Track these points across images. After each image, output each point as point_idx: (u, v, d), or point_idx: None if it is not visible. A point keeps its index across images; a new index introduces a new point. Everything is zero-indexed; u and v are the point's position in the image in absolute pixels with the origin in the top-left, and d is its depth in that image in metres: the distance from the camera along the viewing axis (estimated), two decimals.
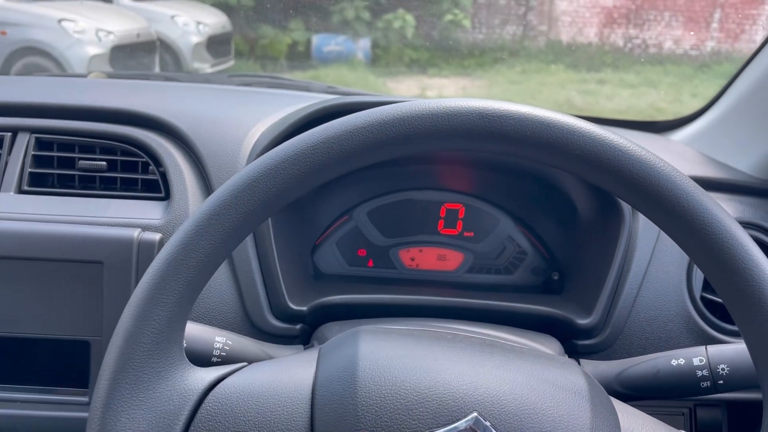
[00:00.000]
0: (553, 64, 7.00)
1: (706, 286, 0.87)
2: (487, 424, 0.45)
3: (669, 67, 6.91)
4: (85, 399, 0.78)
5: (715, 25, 7.21)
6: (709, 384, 0.66)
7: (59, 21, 5.06)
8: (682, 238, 0.49)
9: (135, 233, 0.77)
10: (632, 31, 7.42)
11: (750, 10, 6.91)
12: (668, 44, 7.37)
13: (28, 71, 4.75)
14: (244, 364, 0.53)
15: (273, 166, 0.49)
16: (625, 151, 0.49)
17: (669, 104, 5.49)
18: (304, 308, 0.81)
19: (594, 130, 0.49)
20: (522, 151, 0.50)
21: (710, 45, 7.25)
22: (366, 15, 7.22)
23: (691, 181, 0.49)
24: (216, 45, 6.08)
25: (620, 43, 7.47)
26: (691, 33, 7.18)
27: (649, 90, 6.18)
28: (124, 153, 0.87)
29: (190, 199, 0.84)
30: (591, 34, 7.60)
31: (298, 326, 0.82)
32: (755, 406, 0.89)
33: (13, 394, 0.79)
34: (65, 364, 0.79)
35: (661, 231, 0.85)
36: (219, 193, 0.49)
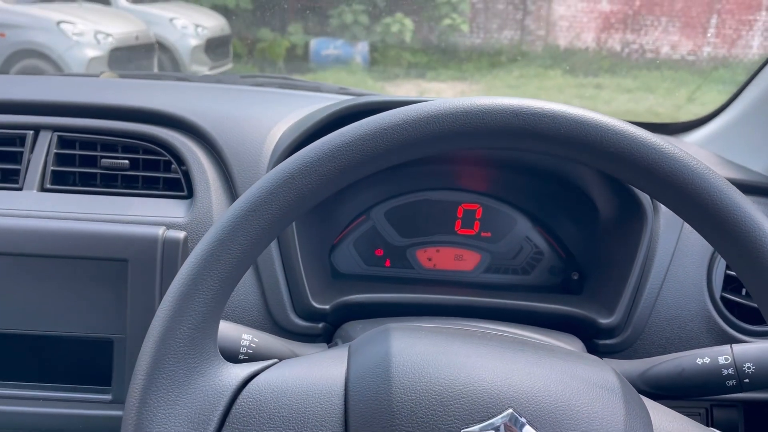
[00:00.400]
0: (551, 69, 7.02)
1: (726, 286, 0.87)
2: (523, 420, 0.45)
3: (666, 72, 6.95)
4: (107, 397, 0.78)
5: (711, 30, 7.25)
6: (734, 382, 0.66)
7: (58, 23, 5.06)
8: (714, 236, 0.49)
9: (160, 231, 0.77)
10: (629, 36, 7.46)
11: (746, 16, 6.95)
12: (665, 49, 7.41)
13: (27, 73, 4.74)
14: (276, 360, 0.53)
15: (309, 162, 0.49)
16: (660, 149, 0.49)
17: (666, 109, 5.51)
18: (327, 307, 0.81)
19: (629, 128, 0.50)
20: (557, 149, 0.50)
21: (707, 50, 7.30)
22: (364, 19, 7.24)
23: (725, 179, 0.49)
24: (214, 48, 6.09)
25: (618, 48, 7.51)
26: (688, 38, 7.23)
27: (646, 95, 6.21)
28: (147, 152, 0.87)
29: (213, 198, 0.84)
30: (588, 39, 7.63)
31: (320, 325, 0.82)
32: None
33: (36, 392, 0.78)
34: (88, 362, 0.79)
35: (682, 231, 0.86)
36: (255, 189, 0.49)
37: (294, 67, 6.84)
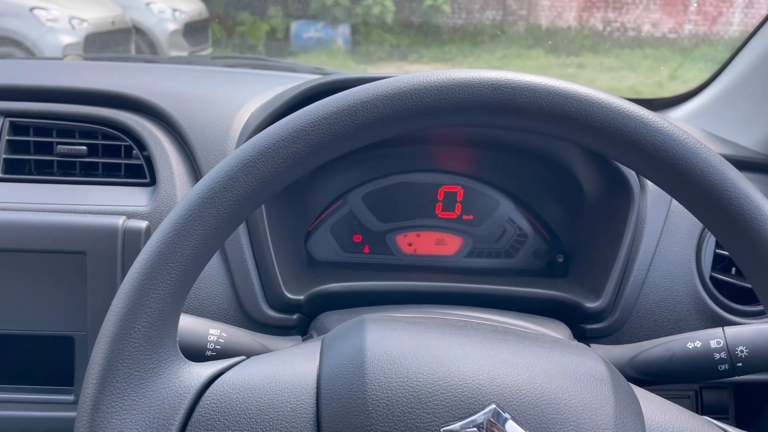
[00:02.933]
0: (533, 49, 7.02)
1: (716, 266, 0.85)
2: (506, 415, 0.43)
3: (648, 51, 6.97)
4: (70, 398, 0.75)
5: (692, 8, 7.27)
6: (727, 367, 0.65)
7: (31, 9, 4.96)
8: (706, 213, 0.47)
9: (120, 221, 0.73)
10: (611, 15, 7.46)
11: None
12: (647, 27, 7.42)
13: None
14: (243, 357, 0.50)
15: (271, 144, 0.46)
16: (649, 122, 0.46)
17: (649, 87, 5.53)
18: (301, 297, 0.78)
19: (616, 101, 0.47)
20: (539, 125, 0.47)
21: (688, 28, 7.31)
22: (345, 1, 7.17)
23: (718, 155, 0.47)
24: (193, 32, 6.02)
25: (599, 27, 7.52)
26: (669, 16, 7.24)
27: (628, 73, 6.22)
28: (106, 137, 0.83)
29: (177, 185, 0.81)
30: (570, 19, 7.63)
31: (294, 316, 0.79)
32: (763, 387, 0.88)
33: None
34: (48, 361, 0.76)
35: (670, 210, 0.83)
36: (213, 174, 0.46)
37: (275, 50, 6.80)
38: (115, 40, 5.37)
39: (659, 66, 6.42)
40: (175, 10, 5.95)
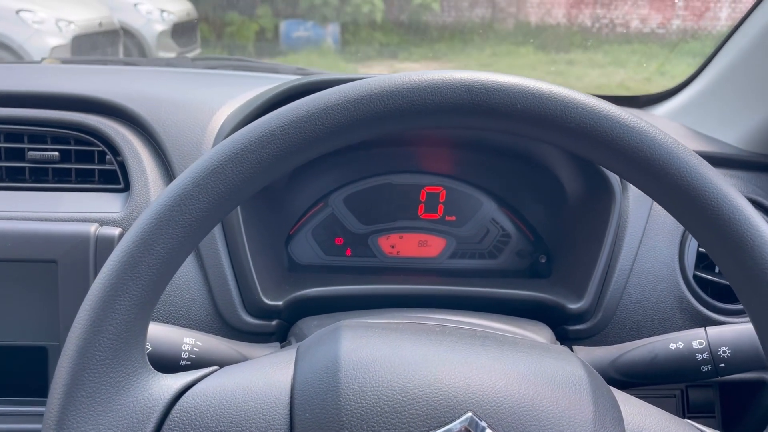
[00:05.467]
0: (523, 47, 7.03)
1: (699, 265, 0.85)
2: (483, 424, 0.42)
3: (636, 46, 6.99)
4: (44, 409, 0.73)
5: (680, 3, 7.30)
6: (710, 368, 0.65)
7: (17, 12, 4.93)
8: (684, 214, 0.46)
9: (92, 228, 0.73)
10: (599, 11, 7.48)
11: None
12: (635, 23, 7.45)
13: None
14: (215, 368, 0.49)
15: (239, 149, 0.45)
16: (625, 123, 0.46)
17: (637, 83, 5.55)
18: (280, 303, 0.78)
19: (591, 101, 0.46)
20: (513, 126, 0.47)
21: (676, 23, 7.35)
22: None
23: (695, 154, 0.46)
24: (181, 33, 6.01)
25: (588, 23, 7.54)
26: (657, 12, 7.27)
27: (617, 69, 6.25)
28: (78, 142, 0.82)
29: (152, 190, 0.80)
30: (559, 15, 7.65)
31: (273, 322, 0.78)
32: (748, 386, 0.88)
33: None
34: (22, 372, 0.75)
35: (652, 209, 0.83)
36: (180, 180, 0.45)
37: (264, 50, 6.79)
38: (103, 42, 5.35)
39: (647, 61, 6.45)
40: (163, 11, 5.94)
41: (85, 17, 5.23)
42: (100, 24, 5.35)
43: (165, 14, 5.93)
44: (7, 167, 0.82)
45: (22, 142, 0.82)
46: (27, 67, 1.12)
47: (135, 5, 5.87)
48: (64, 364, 0.44)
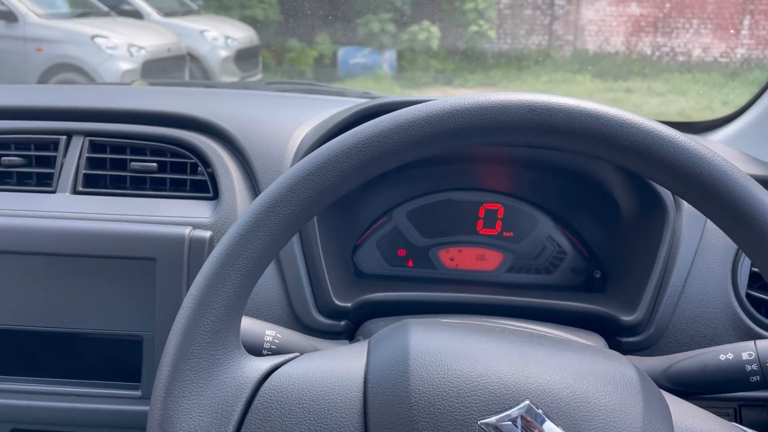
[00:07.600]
0: (580, 74, 6.96)
1: (752, 283, 0.86)
2: (540, 411, 0.46)
3: (698, 75, 6.82)
4: (137, 393, 0.80)
5: (744, 32, 7.11)
6: (759, 378, 0.65)
7: (92, 37, 5.17)
8: (735, 230, 0.49)
9: (186, 231, 0.79)
10: (660, 39, 7.35)
11: None
12: (697, 52, 7.28)
13: None
14: (297, 354, 0.54)
15: (327, 159, 0.50)
16: (677, 142, 0.49)
17: (699, 112, 5.42)
18: (349, 304, 0.82)
19: (644, 122, 0.50)
20: (572, 144, 0.50)
21: (740, 52, 7.15)
22: (391, 27, 7.26)
23: (744, 172, 0.49)
24: (244, 58, 6.17)
25: (648, 51, 7.41)
26: (720, 40, 7.10)
27: (678, 98, 6.11)
28: (174, 155, 0.90)
29: (238, 198, 0.86)
30: (618, 43, 7.54)
31: (342, 322, 0.83)
32: None
33: (68, 388, 0.81)
34: (118, 359, 0.81)
35: (705, 228, 0.85)
36: (275, 185, 0.51)
37: (322, 75, 6.89)
38: (171, 67, 5.54)
39: (709, 90, 6.28)
40: (227, 37, 6.10)
41: (155, 43, 5.44)
42: (169, 50, 5.55)
43: (229, 41, 6.08)
44: (111, 176, 0.89)
45: (126, 153, 0.89)
46: (123, 87, 1.22)
47: (201, 32, 6.03)
48: (172, 341, 0.49)
